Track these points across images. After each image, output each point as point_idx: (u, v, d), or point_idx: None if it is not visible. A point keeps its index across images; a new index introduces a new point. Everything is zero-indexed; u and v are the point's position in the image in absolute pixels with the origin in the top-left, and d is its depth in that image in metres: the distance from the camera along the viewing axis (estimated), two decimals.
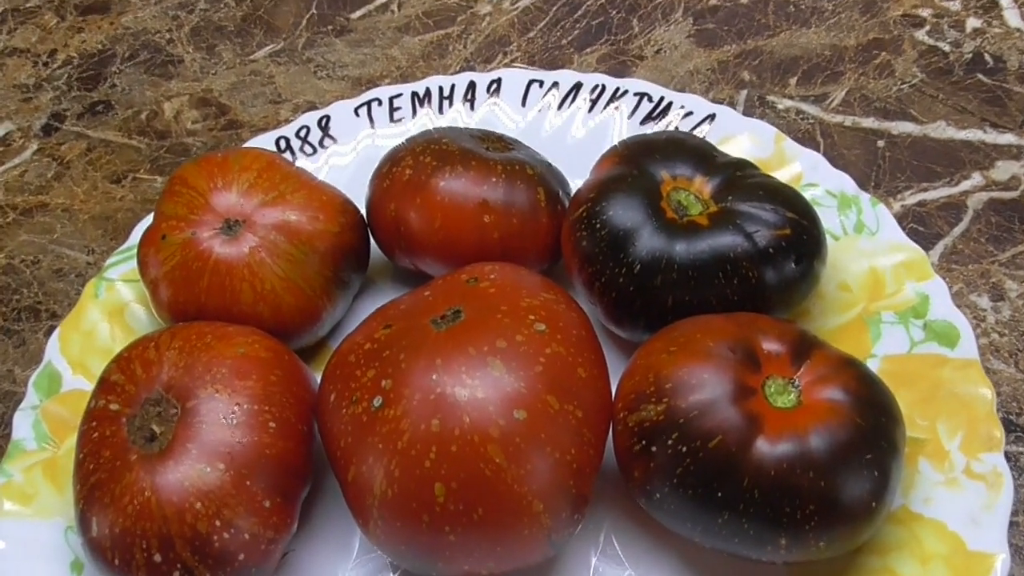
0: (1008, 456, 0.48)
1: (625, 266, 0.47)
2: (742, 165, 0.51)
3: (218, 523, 0.41)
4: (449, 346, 0.41)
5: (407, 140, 0.55)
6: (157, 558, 0.41)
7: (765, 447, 0.39)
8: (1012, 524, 0.46)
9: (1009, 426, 0.50)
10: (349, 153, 0.64)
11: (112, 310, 0.56)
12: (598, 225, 0.48)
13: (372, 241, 0.56)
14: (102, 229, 0.65)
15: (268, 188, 0.52)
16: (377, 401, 0.41)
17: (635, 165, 0.50)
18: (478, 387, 0.40)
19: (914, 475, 0.45)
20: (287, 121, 0.68)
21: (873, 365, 0.49)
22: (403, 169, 0.52)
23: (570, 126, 0.63)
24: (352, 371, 0.43)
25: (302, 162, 0.63)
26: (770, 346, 0.43)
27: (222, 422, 0.43)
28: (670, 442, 0.40)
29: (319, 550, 0.48)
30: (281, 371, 0.46)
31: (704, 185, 0.50)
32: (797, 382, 0.42)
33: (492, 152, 0.53)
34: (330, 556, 0.47)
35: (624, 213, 0.48)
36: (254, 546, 0.42)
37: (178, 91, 0.75)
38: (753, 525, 0.39)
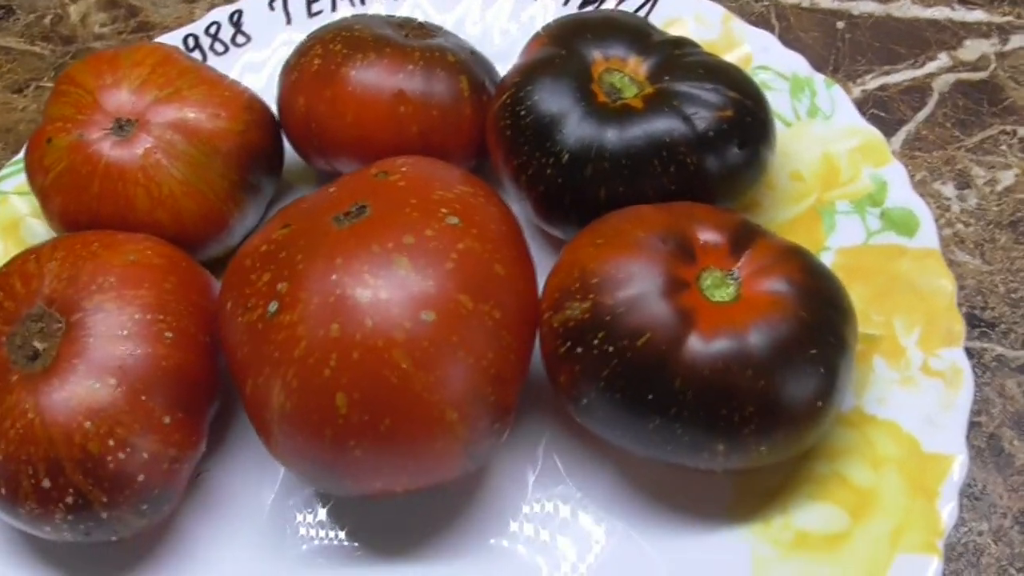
0: (971, 352, 0.45)
1: (553, 156, 0.43)
2: (681, 43, 0.46)
3: (111, 442, 0.38)
4: (351, 244, 0.37)
5: (318, 28, 0.50)
6: (46, 484, 0.38)
7: (698, 344, 0.36)
8: (973, 424, 0.43)
9: (973, 321, 0.46)
10: (265, 51, 0.59)
11: (6, 225, 0.52)
12: (523, 112, 0.44)
13: (287, 143, 0.51)
14: (3, 142, 0.61)
15: (163, 84, 0.47)
16: (272, 306, 0.37)
17: (565, 46, 0.46)
18: (381, 287, 0.36)
19: (868, 374, 0.42)
20: None
21: (827, 258, 0.45)
22: (311, 59, 0.48)
23: (497, 19, 0.58)
24: (247, 276, 0.39)
25: (213, 63, 0.58)
26: (707, 236, 0.39)
27: (112, 334, 0.39)
28: (596, 341, 0.37)
29: (238, 470, 0.44)
30: (177, 278, 0.42)
31: (640, 66, 0.45)
32: (736, 274, 0.38)
33: (411, 39, 0.49)
34: (251, 475, 0.44)
35: (551, 98, 0.44)
36: (155, 466, 0.39)
37: None
38: (687, 430, 0.36)
